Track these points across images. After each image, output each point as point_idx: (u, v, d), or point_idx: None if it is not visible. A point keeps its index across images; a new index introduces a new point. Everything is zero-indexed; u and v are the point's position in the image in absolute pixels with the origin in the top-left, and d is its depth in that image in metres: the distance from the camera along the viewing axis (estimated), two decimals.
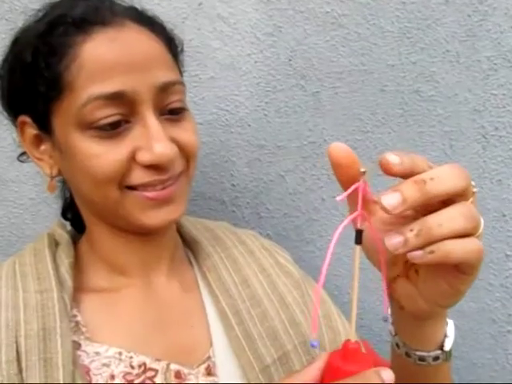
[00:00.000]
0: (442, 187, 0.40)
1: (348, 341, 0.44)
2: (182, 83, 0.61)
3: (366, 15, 0.84)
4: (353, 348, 0.44)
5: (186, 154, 0.60)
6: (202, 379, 0.61)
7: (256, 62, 0.87)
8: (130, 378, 0.58)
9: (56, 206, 0.89)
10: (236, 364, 0.63)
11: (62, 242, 0.65)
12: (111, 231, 0.63)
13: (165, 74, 0.58)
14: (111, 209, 0.59)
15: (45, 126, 0.59)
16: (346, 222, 0.43)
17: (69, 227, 0.72)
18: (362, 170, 0.43)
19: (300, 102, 0.88)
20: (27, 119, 0.60)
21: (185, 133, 0.60)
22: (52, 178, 0.62)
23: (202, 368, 0.62)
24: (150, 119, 0.56)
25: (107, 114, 0.54)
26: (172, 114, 0.59)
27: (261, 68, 0.87)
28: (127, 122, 0.56)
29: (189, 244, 0.72)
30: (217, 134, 0.88)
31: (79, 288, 0.62)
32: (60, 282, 0.59)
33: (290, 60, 0.86)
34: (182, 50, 0.68)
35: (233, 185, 0.91)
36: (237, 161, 0.90)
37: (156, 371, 0.59)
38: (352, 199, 0.44)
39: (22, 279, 0.59)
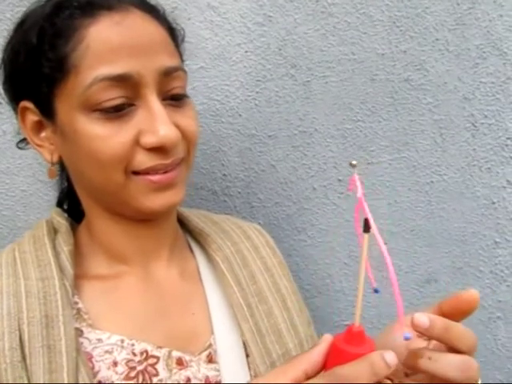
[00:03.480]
0: (433, 369, 0.46)
1: (352, 325, 0.45)
2: (183, 70, 0.62)
3: (356, 4, 0.84)
4: (357, 331, 0.45)
5: (187, 140, 0.61)
6: (204, 366, 0.62)
7: (246, 51, 0.87)
8: (132, 364, 0.59)
9: (47, 197, 0.89)
10: (237, 353, 0.64)
11: (61, 229, 0.65)
12: (111, 218, 0.64)
13: (168, 60, 0.59)
14: (113, 193, 0.59)
15: (47, 110, 0.58)
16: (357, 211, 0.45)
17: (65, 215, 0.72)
18: (354, 162, 0.45)
19: (290, 91, 0.88)
20: (29, 105, 0.60)
21: (186, 119, 0.61)
22: (52, 164, 0.62)
23: (204, 355, 0.63)
24: (154, 102, 0.56)
25: (112, 95, 0.55)
26: (174, 99, 0.60)
27: (251, 58, 0.87)
28: (131, 104, 0.56)
29: (195, 235, 0.72)
30: (207, 123, 0.89)
31: (79, 275, 0.62)
32: (61, 270, 0.59)
33: (280, 49, 0.86)
34: (183, 40, 0.68)
35: (224, 174, 0.91)
36: (228, 150, 0.90)
37: (158, 358, 0.60)
38: None
39: (23, 267, 0.59)
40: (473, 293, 0.49)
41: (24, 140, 0.67)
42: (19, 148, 0.70)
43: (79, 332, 0.58)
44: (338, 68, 0.87)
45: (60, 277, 0.58)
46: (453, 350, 0.47)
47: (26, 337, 0.54)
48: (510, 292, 0.93)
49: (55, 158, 0.62)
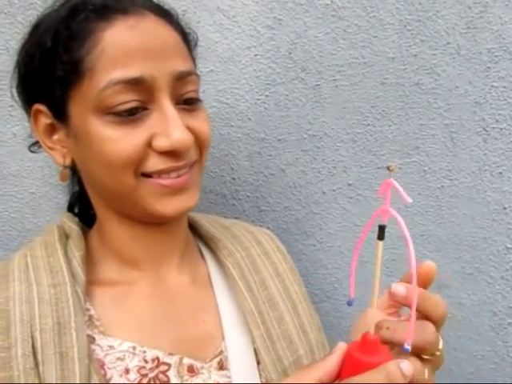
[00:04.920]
0: (392, 337, 0.46)
1: (367, 333, 0.45)
2: (196, 74, 0.62)
3: (366, 7, 0.84)
4: (372, 340, 0.44)
5: (200, 143, 0.61)
6: (215, 373, 0.62)
7: (256, 55, 0.86)
8: (143, 372, 0.58)
9: (57, 200, 0.90)
10: (249, 359, 0.64)
11: (73, 234, 0.65)
12: (123, 222, 0.63)
13: (181, 64, 0.59)
14: (125, 197, 0.59)
15: (60, 113, 0.59)
16: (375, 216, 0.45)
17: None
18: (392, 166, 0.44)
19: (300, 95, 0.88)
20: (42, 107, 0.60)
21: (199, 122, 0.61)
22: (64, 167, 0.62)
23: (215, 362, 0.63)
24: (168, 106, 0.57)
25: (126, 99, 0.55)
26: (187, 104, 0.60)
27: (261, 61, 0.87)
28: (145, 108, 0.57)
29: (206, 240, 0.72)
30: (217, 127, 0.88)
31: (91, 281, 0.62)
32: (73, 276, 0.59)
33: (290, 53, 0.86)
34: (196, 45, 0.69)
35: (233, 178, 0.91)
36: (237, 154, 0.90)
37: (169, 365, 0.60)
38: None
39: (35, 273, 0.59)
40: (430, 264, 0.51)
41: (36, 143, 0.67)
42: (31, 151, 0.70)
43: (91, 339, 0.58)
44: (348, 72, 0.86)
45: (72, 283, 0.58)
46: (426, 318, 0.49)
47: (38, 344, 0.54)
48: None
49: (67, 161, 0.62)
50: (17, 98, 0.65)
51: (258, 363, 0.64)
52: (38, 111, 0.61)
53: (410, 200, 0.43)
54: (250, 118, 0.89)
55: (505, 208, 0.89)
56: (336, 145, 0.89)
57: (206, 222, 0.74)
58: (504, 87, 0.86)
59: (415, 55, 0.85)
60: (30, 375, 0.52)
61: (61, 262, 0.60)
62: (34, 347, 0.54)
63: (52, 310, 0.56)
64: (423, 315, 0.48)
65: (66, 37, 0.56)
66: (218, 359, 0.63)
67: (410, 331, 0.44)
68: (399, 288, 0.48)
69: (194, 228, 0.73)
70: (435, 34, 0.84)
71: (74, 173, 0.67)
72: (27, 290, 0.57)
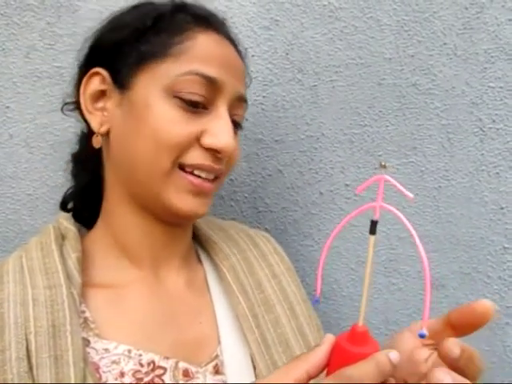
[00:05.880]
0: None
1: (356, 324, 0.45)
2: (247, 106, 0.69)
3: (364, 8, 0.84)
4: (361, 331, 0.44)
5: (230, 161, 0.66)
6: (210, 377, 0.61)
7: (253, 55, 0.86)
8: (139, 376, 0.58)
9: (54, 201, 0.89)
10: (244, 364, 0.63)
11: (69, 235, 0.64)
12: (135, 213, 0.64)
13: (243, 89, 0.66)
14: (150, 183, 0.60)
15: (124, 81, 0.62)
16: (359, 209, 0.44)
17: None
18: (383, 163, 0.44)
19: (297, 95, 0.88)
20: (102, 71, 0.63)
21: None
22: (98, 134, 0.64)
23: (210, 366, 0.62)
24: (225, 113, 0.62)
25: (197, 91, 0.60)
26: (232, 124, 0.64)
27: (258, 62, 0.87)
28: (205, 107, 0.61)
29: (203, 243, 0.72)
30: None
31: (87, 283, 0.61)
32: (68, 278, 0.58)
33: (287, 54, 0.86)
34: (248, 86, 0.74)
35: (231, 179, 0.90)
36: None
37: (165, 369, 0.59)
38: None
39: (30, 274, 0.58)
40: (486, 303, 0.46)
41: (70, 104, 0.69)
42: (62, 112, 0.72)
43: (86, 342, 0.57)
44: (345, 72, 0.86)
45: (67, 285, 0.58)
46: (461, 372, 0.45)
47: (32, 347, 0.53)
48: None
49: (103, 129, 0.63)
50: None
51: (255, 368, 0.63)
52: (97, 74, 0.63)
53: (411, 196, 0.42)
54: (247, 119, 0.88)
55: (502, 208, 0.89)
56: (333, 145, 0.89)
57: (203, 223, 0.74)
58: (500, 87, 0.86)
59: (412, 56, 0.85)
60: (24, 378, 0.51)
61: (56, 264, 0.59)
62: (28, 350, 0.53)
63: (47, 313, 0.55)
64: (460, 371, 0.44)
65: (167, 23, 0.62)
66: (213, 363, 0.62)
67: (425, 316, 0.42)
68: (455, 349, 0.43)
69: (192, 230, 0.73)
70: (432, 34, 0.85)
71: (81, 164, 0.69)
72: (22, 292, 0.57)
